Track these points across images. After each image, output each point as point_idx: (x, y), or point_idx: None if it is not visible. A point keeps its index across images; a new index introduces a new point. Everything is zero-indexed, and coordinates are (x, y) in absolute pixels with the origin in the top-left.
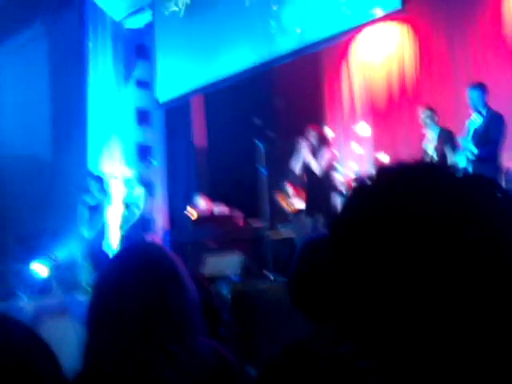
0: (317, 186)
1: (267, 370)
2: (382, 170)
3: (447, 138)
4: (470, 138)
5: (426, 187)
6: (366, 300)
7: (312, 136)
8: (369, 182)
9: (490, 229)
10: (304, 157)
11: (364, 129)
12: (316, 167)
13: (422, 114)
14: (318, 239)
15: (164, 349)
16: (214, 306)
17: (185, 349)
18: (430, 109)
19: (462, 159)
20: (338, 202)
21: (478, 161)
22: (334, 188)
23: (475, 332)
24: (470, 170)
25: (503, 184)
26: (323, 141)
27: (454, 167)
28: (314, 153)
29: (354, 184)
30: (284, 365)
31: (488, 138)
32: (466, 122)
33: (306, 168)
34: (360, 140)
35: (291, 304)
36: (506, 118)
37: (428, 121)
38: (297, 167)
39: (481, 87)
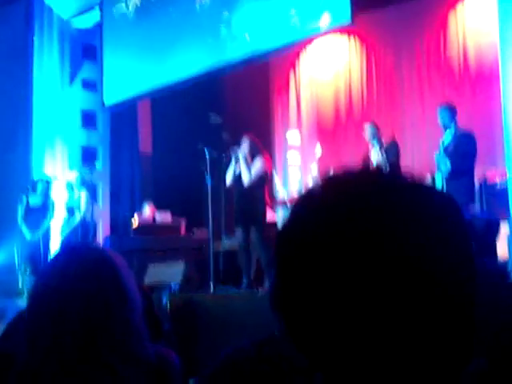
0: (246, 196)
1: (218, 368)
2: (329, 178)
3: (390, 149)
4: (442, 152)
5: (376, 197)
6: (312, 314)
7: (245, 144)
8: (315, 191)
9: (439, 236)
10: (236, 166)
11: (295, 137)
12: (246, 176)
13: (366, 130)
14: None
15: (104, 361)
16: (156, 316)
17: (127, 360)
18: (373, 124)
19: (437, 176)
20: (267, 212)
21: (453, 175)
22: (264, 198)
23: (420, 348)
24: (444, 185)
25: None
26: (256, 149)
27: (399, 174)
28: (246, 161)
29: (300, 194)
30: (244, 360)
31: (457, 156)
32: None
33: (237, 177)
34: (304, 150)
35: (271, 306)
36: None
37: (371, 136)
38: (228, 178)
39: (448, 107)
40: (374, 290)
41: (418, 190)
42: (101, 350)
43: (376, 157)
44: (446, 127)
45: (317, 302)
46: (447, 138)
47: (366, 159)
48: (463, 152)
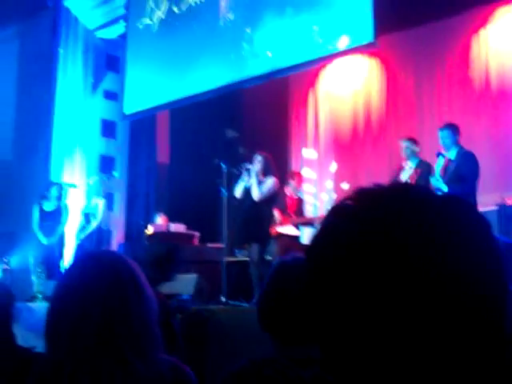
0: (252, 212)
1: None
2: (361, 190)
3: (424, 169)
4: (438, 176)
5: (407, 209)
6: (343, 326)
7: (258, 161)
8: (348, 204)
9: (471, 251)
10: (246, 181)
11: (312, 154)
12: (256, 193)
13: (403, 144)
14: (290, 262)
15: (122, 360)
16: (172, 327)
17: (143, 362)
18: (411, 139)
19: None
20: (274, 229)
21: None
22: (271, 216)
23: (446, 365)
24: None
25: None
26: (268, 167)
27: (431, 189)
28: (258, 178)
29: (333, 205)
30: (245, 378)
31: (459, 177)
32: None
33: (246, 193)
34: (320, 166)
35: (260, 326)
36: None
37: (408, 151)
38: (238, 191)
39: (450, 127)
40: (408, 303)
41: (451, 204)
42: (119, 346)
43: (407, 175)
44: (447, 148)
45: (348, 313)
46: (440, 161)
47: (396, 177)
48: (464, 174)
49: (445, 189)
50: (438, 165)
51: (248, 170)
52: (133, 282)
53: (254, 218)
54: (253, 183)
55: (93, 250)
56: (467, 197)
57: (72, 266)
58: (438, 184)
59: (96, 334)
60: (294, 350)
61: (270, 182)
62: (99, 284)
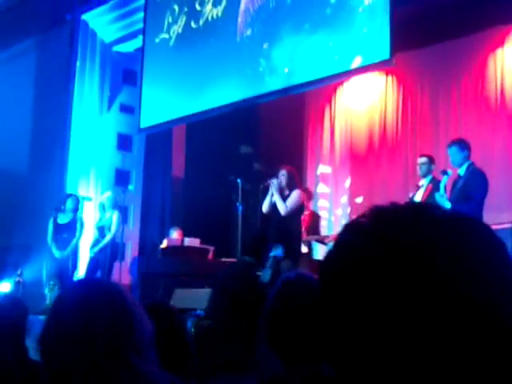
0: (280, 228)
1: None
2: (376, 208)
3: (435, 187)
4: (442, 192)
5: (422, 227)
6: (356, 343)
7: (282, 175)
8: (362, 221)
9: (485, 269)
10: (272, 196)
11: (327, 170)
12: (282, 207)
13: (421, 161)
14: (294, 278)
15: (128, 364)
16: (180, 339)
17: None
18: (428, 157)
19: None
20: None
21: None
22: (299, 230)
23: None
24: None
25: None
26: (293, 181)
27: (443, 207)
28: (283, 192)
29: (347, 223)
30: None
31: (466, 195)
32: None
33: (273, 207)
34: (335, 183)
35: (267, 343)
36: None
37: (424, 169)
38: (265, 206)
39: (457, 144)
40: (424, 318)
41: (464, 222)
42: (126, 351)
43: (421, 193)
44: (457, 164)
45: (361, 331)
46: (445, 179)
47: (413, 196)
48: (471, 192)
49: (448, 206)
50: (443, 182)
51: (273, 185)
52: (136, 304)
53: (285, 234)
54: (276, 199)
55: (92, 278)
56: (472, 215)
57: (77, 283)
58: (442, 200)
59: (103, 341)
60: (302, 367)
61: (296, 194)
62: (106, 308)
